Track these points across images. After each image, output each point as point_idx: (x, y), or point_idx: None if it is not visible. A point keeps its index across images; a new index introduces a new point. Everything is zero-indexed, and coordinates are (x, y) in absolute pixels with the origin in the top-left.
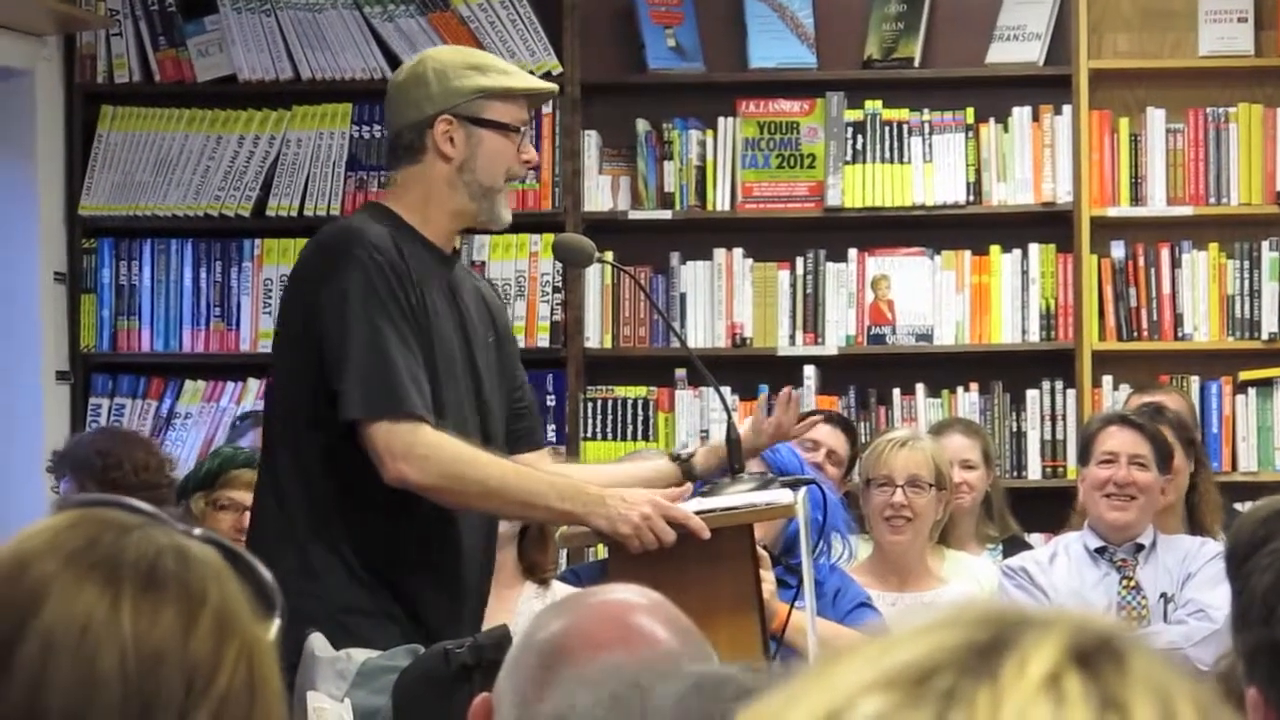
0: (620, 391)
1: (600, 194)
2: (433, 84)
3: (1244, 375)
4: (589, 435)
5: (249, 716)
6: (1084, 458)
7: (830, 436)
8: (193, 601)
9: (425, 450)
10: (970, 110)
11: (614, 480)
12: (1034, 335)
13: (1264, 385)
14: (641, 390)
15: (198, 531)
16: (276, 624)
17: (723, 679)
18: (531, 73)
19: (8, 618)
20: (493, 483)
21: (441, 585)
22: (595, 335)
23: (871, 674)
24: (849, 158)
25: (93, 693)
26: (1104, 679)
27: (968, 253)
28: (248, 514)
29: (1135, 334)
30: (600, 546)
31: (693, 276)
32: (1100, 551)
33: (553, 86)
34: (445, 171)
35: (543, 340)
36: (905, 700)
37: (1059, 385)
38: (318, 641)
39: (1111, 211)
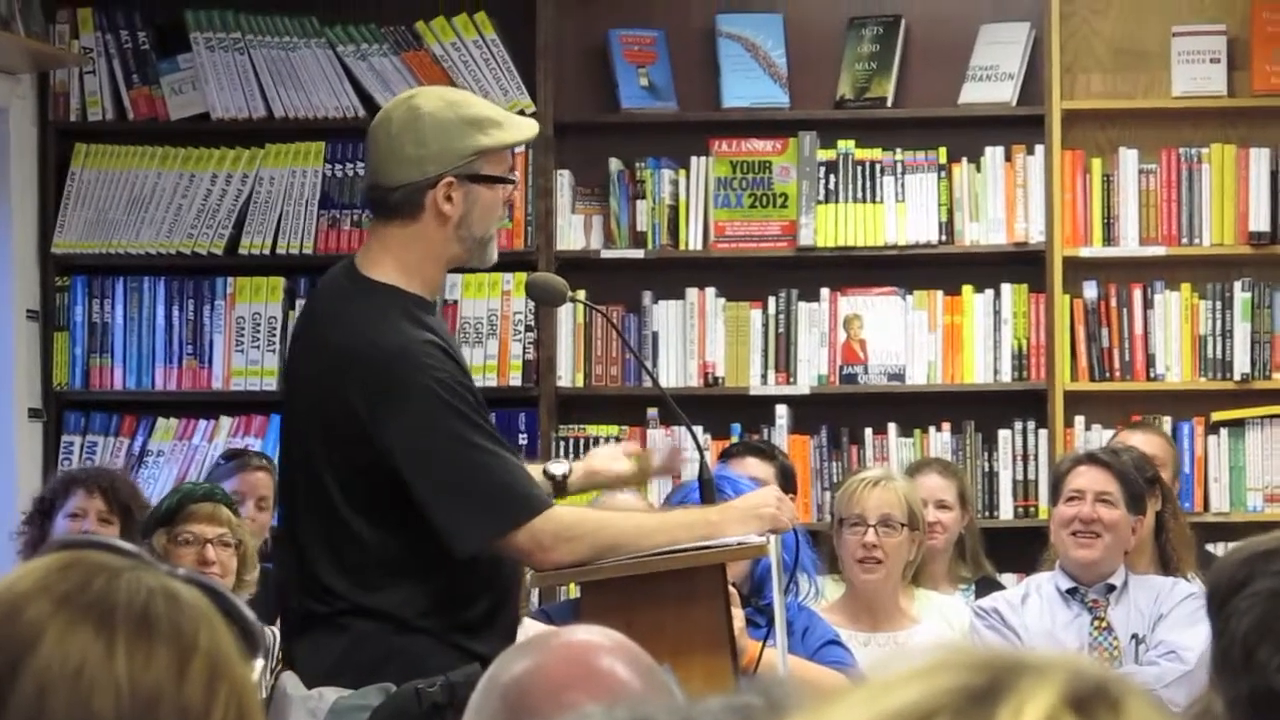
0: (592, 430)
1: (573, 233)
2: (431, 143)
3: (1216, 416)
4: None
5: None
6: (1054, 497)
7: (758, 469)
8: (185, 644)
9: (567, 534)
10: (943, 150)
11: None
12: (1006, 375)
13: (1236, 425)
14: (614, 429)
15: (181, 572)
16: (260, 664)
17: None
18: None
19: (2, 659)
20: (630, 538)
21: (505, 618)
22: (567, 374)
23: (868, 717)
24: (821, 197)
25: None
26: None
27: (940, 292)
28: (209, 547)
29: (1107, 374)
30: (572, 586)
31: (665, 315)
32: (1071, 592)
33: (537, 128)
34: (443, 232)
35: (515, 379)
36: None
37: (1031, 425)
38: (289, 680)
39: (1084, 251)
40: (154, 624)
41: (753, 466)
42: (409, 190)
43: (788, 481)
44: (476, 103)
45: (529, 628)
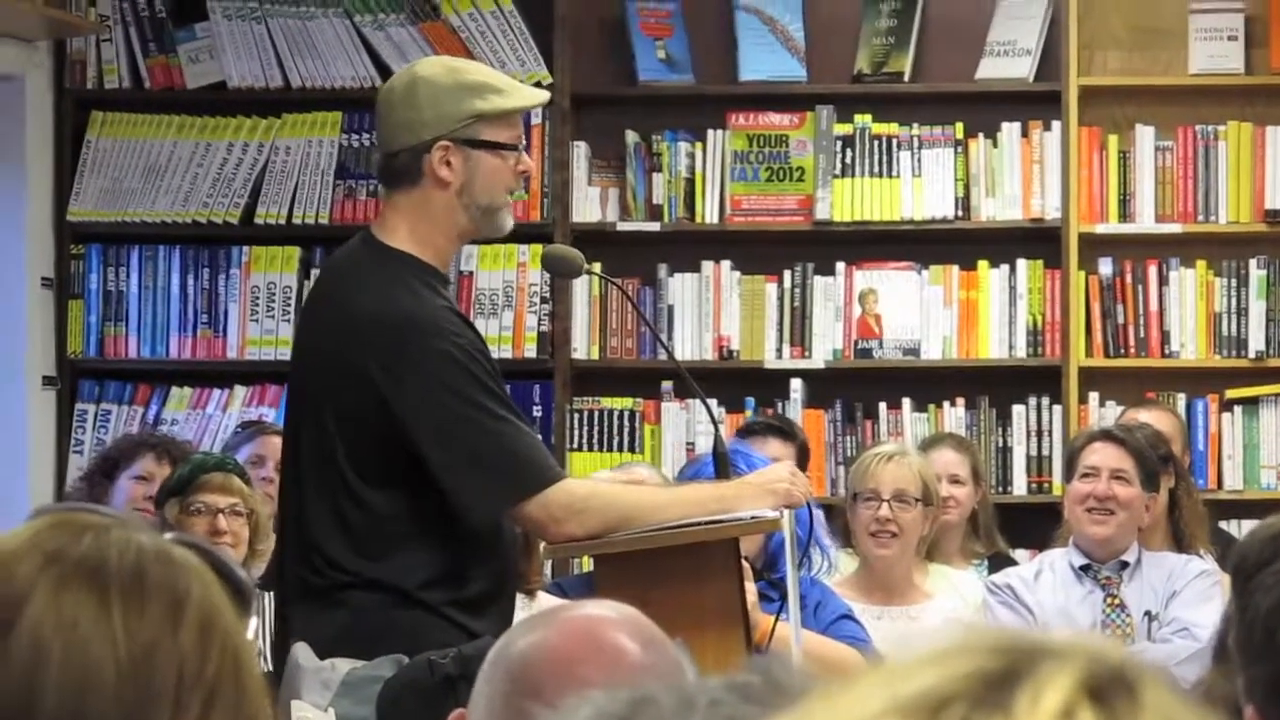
0: (607, 403)
1: (589, 205)
2: (426, 108)
3: (1230, 393)
4: (575, 446)
5: (237, 705)
6: (1069, 473)
7: (779, 449)
8: (177, 598)
9: (580, 505)
10: (960, 125)
11: None
12: (1021, 351)
13: (1250, 403)
14: (628, 402)
15: (169, 535)
16: (254, 621)
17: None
18: (521, 82)
19: None
20: (644, 511)
21: (504, 596)
22: (583, 346)
23: (884, 702)
24: (838, 171)
25: (88, 683)
26: (1117, 715)
27: (955, 268)
28: (220, 517)
29: (1122, 351)
30: (586, 559)
31: (680, 288)
32: (1085, 569)
33: (545, 95)
34: (444, 197)
35: (530, 351)
36: None
37: (1045, 401)
38: (302, 651)
39: (1100, 228)
40: (146, 578)
41: (774, 447)
42: (408, 155)
43: (803, 458)
44: (478, 70)
45: (543, 601)
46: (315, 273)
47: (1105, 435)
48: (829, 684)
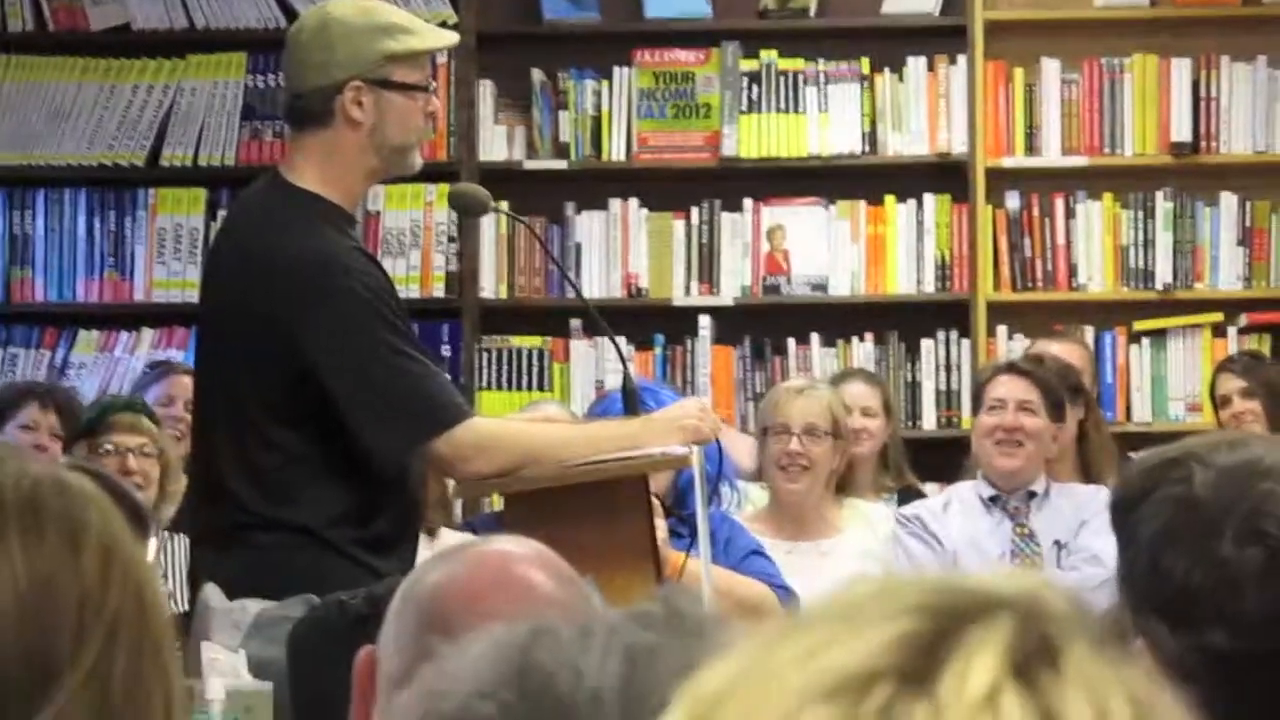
0: (516, 342)
1: (496, 144)
2: (338, 48)
3: (1138, 325)
4: (485, 385)
5: (141, 633)
6: (976, 406)
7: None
8: (75, 526)
9: (487, 443)
10: (865, 60)
11: None
12: (929, 285)
13: (1158, 335)
14: (537, 340)
15: (64, 460)
16: (153, 544)
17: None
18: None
19: None
20: (552, 449)
21: (409, 535)
22: (490, 285)
23: (809, 679)
24: (744, 108)
25: None
26: (1041, 691)
27: (863, 203)
28: (130, 457)
29: (1030, 284)
30: (496, 498)
31: (588, 226)
32: (993, 500)
33: (455, 37)
34: (355, 138)
35: (438, 290)
36: (845, 716)
37: (954, 335)
38: (212, 592)
39: (1006, 162)
40: (42, 508)
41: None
42: (318, 96)
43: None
44: (388, 11)
45: (447, 538)
46: (222, 214)
47: (1010, 368)
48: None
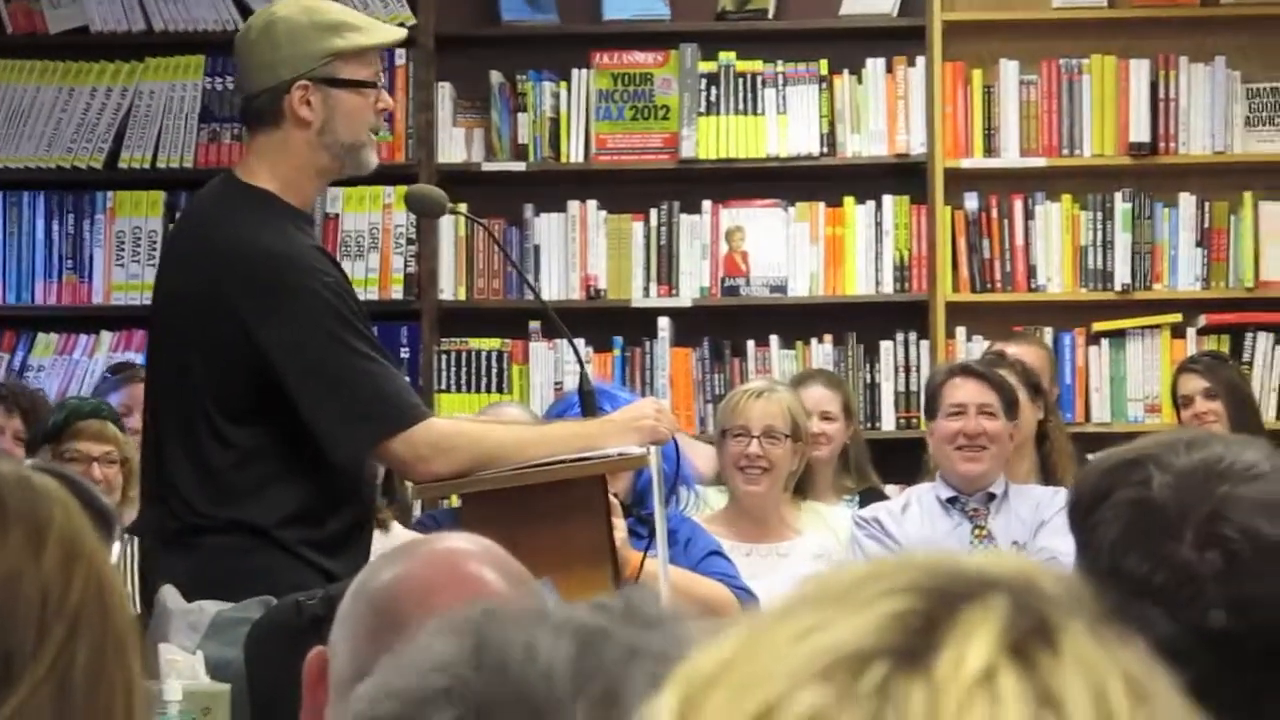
0: (475, 344)
1: (454, 146)
2: (284, 47)
3: (1097, 326)
4: (443, 388)
5: (103, 631)
6: (931, 411)
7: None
8: (39, 524)
9: (445, 444)
10: (824, 62)
11: None
12: (888, 287)
13: (1117, 336)
14: (496, 343)
15: (31, 462)
16: (116, 547)
17: (601, 632)
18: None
19: None
20: (509, 450)
21: (362, 535)
22: (449, 287)
23: (804, 658)
24: (703, 109)
25: None
26: (1039, 670)
27: (821, 204)
28: (95, 465)
29: (989, 285)
30: (454, 497)
31: (547, 228)
32: (952, 501)
33: (402, 33)
34: (305, 136)
35: (396, 292)
36: (840, 695)
37: (913, 337)
38: (169, 594)
39: (965, 163)
40: (6, 506)
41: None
42: (267, 96)
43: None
44: (335, 9)
45: (397, 534)
46: None
47: (965, 370)
48: (731, 627)
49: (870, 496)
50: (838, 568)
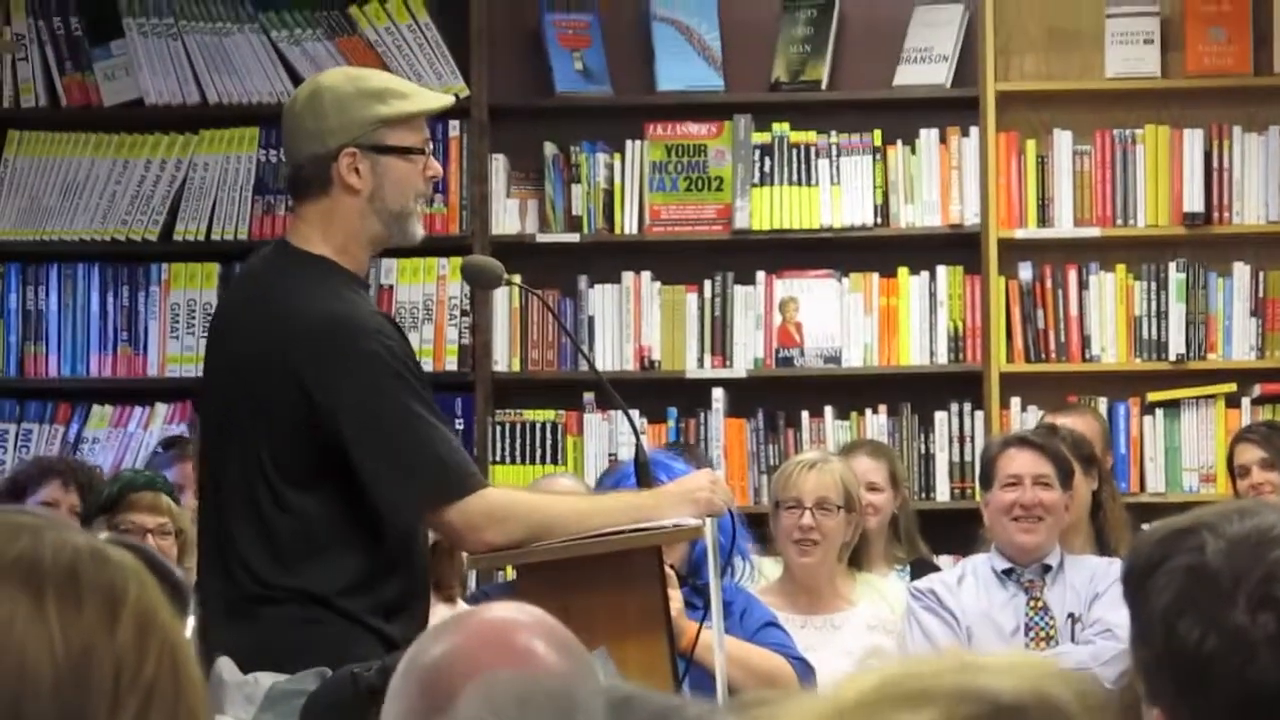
0: (529, 415)
1: (508, 217)
2: (331, 116)
3: (1151, 396)
4: (497, 459)
5: (176, 704)
6: (986, 482)
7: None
8: (114, 597)
9: (501, 513)
10: (878, 132)
11: None
12: (942, 357)
13: (1171, 406)
14: (550, 414)
15: (104, 535)
16: (191, 622)
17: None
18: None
19: None
20: (565, 521)
21: (420, 599)
22: (504, 359)
23: None
24: (756, 180)
25: (25, 684)
26: None
27: (875, 275)
28: (150, 537)
29: (1043, 356)
30: (509, 569)
31: (601, 299)
32: (1008, 573)
33: (449, 99)
34: (354, 204)
35: (451, 364)
36: None
37: (967, 407)
38: (225, 665)
39: (1019, 233)
40: (81, 577)
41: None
42: (315, 165)
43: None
44: (380, 76)
45: (461, 609)
46: None
47: (1021, 441)
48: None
49: (921, 567)
50: (851, 681)
